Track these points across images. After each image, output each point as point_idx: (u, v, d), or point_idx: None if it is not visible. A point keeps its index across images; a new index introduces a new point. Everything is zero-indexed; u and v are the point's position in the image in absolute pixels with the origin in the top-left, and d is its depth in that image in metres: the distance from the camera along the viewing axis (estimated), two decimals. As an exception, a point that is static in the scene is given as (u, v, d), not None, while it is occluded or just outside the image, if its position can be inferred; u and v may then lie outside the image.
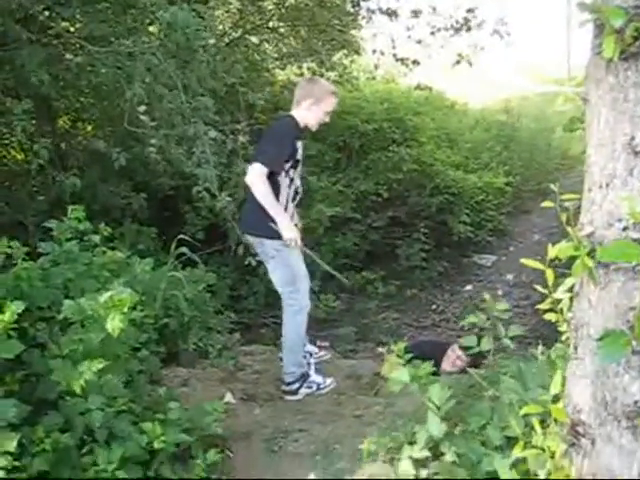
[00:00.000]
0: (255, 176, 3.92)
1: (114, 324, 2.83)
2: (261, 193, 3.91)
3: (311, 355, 4.77)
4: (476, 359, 4.16)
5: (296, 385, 4.28)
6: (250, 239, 4.31)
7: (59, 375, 2.77)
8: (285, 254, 4.08)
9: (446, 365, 4.72)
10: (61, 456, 2.64)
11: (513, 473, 2.09)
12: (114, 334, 2.82)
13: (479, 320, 2.97)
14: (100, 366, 2.76)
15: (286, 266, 4.13)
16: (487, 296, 3.03)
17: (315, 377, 4.38)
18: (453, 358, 4.70)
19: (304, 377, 4.30)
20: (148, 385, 3.56)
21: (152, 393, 3.51)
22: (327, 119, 4.21)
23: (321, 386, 4.35)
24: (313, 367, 4.48)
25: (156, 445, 2.83)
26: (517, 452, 2.09)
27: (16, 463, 2.41)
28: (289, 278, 4.15)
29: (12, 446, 2.35)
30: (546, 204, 2.10)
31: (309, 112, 4.12)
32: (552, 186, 2.09)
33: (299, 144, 4.10)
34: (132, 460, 2.76)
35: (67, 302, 3.04)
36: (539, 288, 2.29)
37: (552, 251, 1.92)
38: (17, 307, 2.70)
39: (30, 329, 3.21)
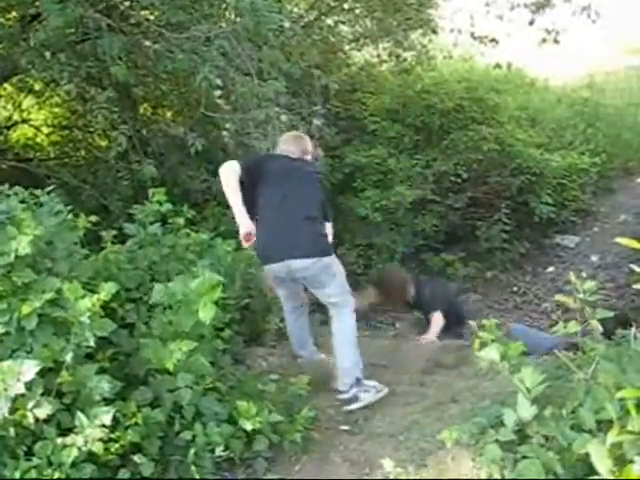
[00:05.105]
0: None
1: (206, 312, 2.89)
2: None
3: None
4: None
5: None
6: None
7: (149, 353, 2.86)
8: None
9: None
10: (152, 430, 2.75)
11: (607, 457, 2.01)
12: (206, 321, 2.89)
13: (566, 301, 2.88)
14: (190, 347, 2.83)
15: None
16: (573, 276, 2.93)
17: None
18: None
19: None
20: (232, 364, 3.63)
21: (236, 372, 3.58)
22: None
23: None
24: None
25: (251, 426, 2.96)
26: (612, 436, 2.01)
27: (111, 435, 2.52)
28: None
29: (108, 419, 2.47)
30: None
31: None
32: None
33: None
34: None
35: (157, 286, 3.12)
36: (636, 268, 2.19)
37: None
38: (111, 288, 2.79)
39: (119, 310, 3.31)
